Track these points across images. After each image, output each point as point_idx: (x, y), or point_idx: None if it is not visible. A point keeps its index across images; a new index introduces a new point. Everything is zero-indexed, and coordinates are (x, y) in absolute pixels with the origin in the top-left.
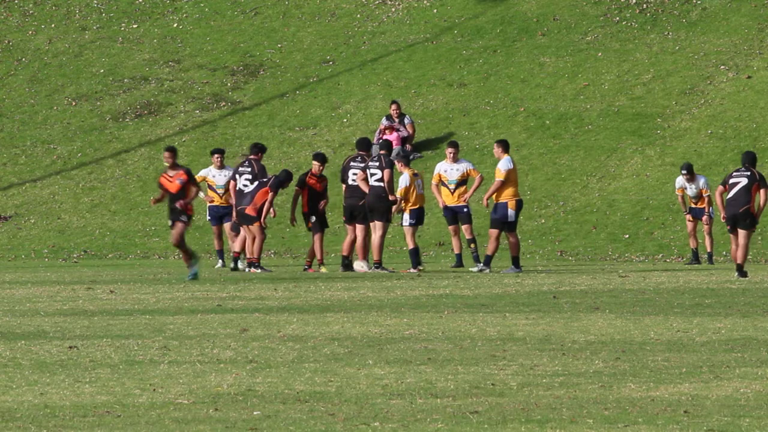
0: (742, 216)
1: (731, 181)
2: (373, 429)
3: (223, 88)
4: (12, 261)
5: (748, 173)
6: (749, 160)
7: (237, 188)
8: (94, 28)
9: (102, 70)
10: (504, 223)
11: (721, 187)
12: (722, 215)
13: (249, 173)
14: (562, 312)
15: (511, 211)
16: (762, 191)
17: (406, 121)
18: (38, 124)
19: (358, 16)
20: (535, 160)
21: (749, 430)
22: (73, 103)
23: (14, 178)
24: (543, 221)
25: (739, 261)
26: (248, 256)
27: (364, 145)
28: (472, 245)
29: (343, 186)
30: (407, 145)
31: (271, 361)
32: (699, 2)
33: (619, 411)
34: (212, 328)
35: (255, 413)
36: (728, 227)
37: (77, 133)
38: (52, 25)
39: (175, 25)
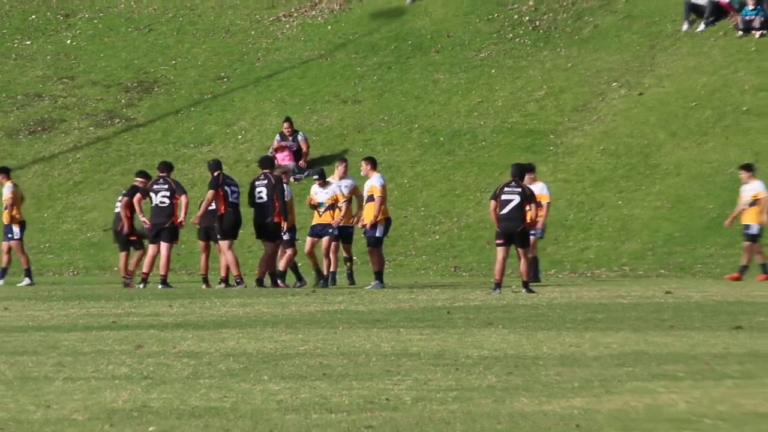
0: (519, 236)
1: (503, 197)
2: None
3: (117, 104)
4: None
5: (520, 190)
6: (519, 174)
7: (153, 204)
8: None
9: None
10: (370, 238)
11: (493, 203)
12: (496, 226)
13: (166, 189)
14: (456, 327)
15: (380, 227)
16: (532, 206)
17: (299, 137)
18: None
19: (253, 32)
20: (430, 176)
21: None
22: None
23: None
24: (437, 237)
25: (524, 278)
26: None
27: (267, 163)
28: (348, 264)
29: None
30: (301, 161)
31: (166, 377)
32: (591, 20)
33: (511, 425)
34: (107, 344)
35: (150, 429)
36: (499, 241)
37: None
38: None
39: (69, 41)
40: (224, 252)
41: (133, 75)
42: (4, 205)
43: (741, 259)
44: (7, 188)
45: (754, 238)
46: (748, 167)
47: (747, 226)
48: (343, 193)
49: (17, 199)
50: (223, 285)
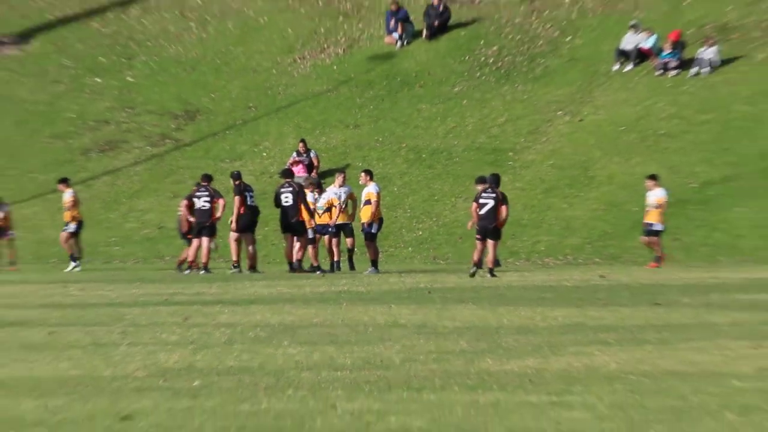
0: (492, 231)
1: (481, 201)
2: (288, 396)
3: (168, 129)
4: (3, 267)
5: (494, 195)
6: (495, 182)
7: (196, 207)
8: (66, 81)
9: (72, 115)
10: (367, 234)
11: (474, 204)
12: (469, 224)
13: (207, 195)
14: (435, 304)
15: (376, 225)
16: (503, 208)
17: (311, 154)
18: (23, 158)
19: (275, 71)
20: (414, 185)
21: (580, 395)
22: (50, 141)
23: (6, 201)
24: (420, 233)
25: (489, 265)
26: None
27: (288, 174)
28: (350, 254)
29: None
30: (313, 173)
31: (208, 342)
32: (542, 61)
33: (479, 380)
34: (161, 317)
35: (195, 383)
36: (478, 236)
37: (53, 165)
38: (33, 80)
39: (130, 79)
40: (230, 241)
41: (181, 105)
42: (65, 207)
43: (654, 252)
44: (68, 194)
45: (657, 234)
46: (653, 177)
47: (650, 224)
48: (339, 198)
49: (76, 203)
50: (250, 271)
